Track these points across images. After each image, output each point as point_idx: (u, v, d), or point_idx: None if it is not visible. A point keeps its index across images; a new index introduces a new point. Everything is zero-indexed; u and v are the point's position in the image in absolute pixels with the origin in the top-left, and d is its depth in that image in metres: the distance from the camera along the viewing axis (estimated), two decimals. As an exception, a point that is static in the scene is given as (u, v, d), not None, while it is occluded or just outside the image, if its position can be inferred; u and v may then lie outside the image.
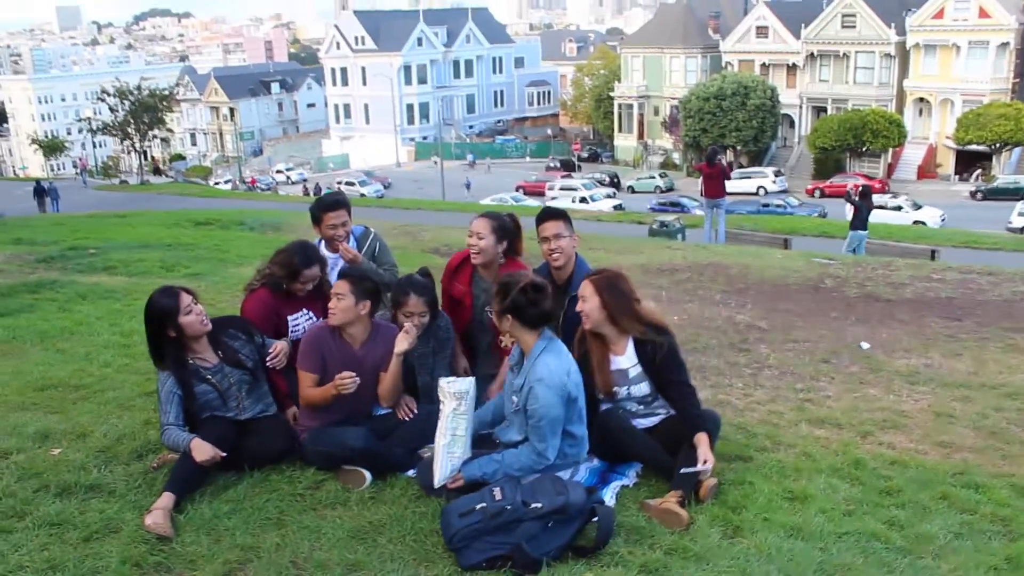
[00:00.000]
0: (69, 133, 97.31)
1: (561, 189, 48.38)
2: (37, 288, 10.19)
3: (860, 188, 19.52)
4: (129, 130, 62.64)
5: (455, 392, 4.21)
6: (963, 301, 10.27)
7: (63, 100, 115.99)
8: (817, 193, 47.60)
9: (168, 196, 43.58)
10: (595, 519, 3.90)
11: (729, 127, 53.51)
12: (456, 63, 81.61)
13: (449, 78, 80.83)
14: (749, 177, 50.50)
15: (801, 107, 58.24)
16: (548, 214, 5.29)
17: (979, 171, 49.01)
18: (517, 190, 51.40)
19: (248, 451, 4.60)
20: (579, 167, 64.53)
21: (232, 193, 53.89)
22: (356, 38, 78.87)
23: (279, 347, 4.95)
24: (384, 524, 4.10)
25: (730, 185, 47.25)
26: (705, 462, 4.28)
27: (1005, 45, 49.67)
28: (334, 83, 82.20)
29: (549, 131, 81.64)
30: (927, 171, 52.19)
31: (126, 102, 61.30)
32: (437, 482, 4.22)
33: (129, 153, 70.76)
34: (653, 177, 54.56)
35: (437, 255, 14.07)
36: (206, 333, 4.68)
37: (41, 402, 5.84)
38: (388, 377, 4.73)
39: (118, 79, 64.28)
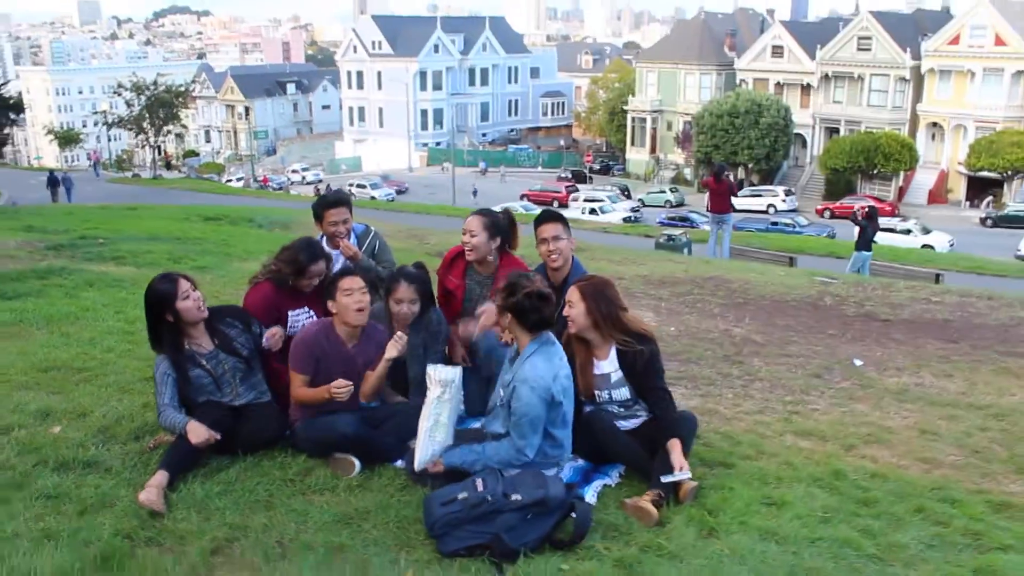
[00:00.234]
0: (84, 125, 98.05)
1: (586, 200, 48.44)
2: (46, 274, 10.34)
3: (866, 209, 19.63)
4: (144, 125, 63.09)
5: (441, 379, 4.37)
6: (960, 324, 10.34)
7: (80, 93, 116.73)
8: (827, 214, 47.69)
9: (180, 191, 43.86)
10: (573, 514, 4.01)
11: (741, 144, 53.64)
12: (472, 71, 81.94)
13: (464, 85, 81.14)
14: (759, 195, 50.66)
15: (814, 127, 58.36)
16: (547, 217, 5.44)
17: (990, 198, 49.00)
18: (522, 198, 51.67)
19: (241, 436, 4.73)
20: (590, 179, 64.70)
21: (243, 191, 54.18)
22: (373, 42, 79.29)
23: (275, 330, 5.08)
24: (369, 511, 4.22)
25: (740, 202, 47.92)
26: (681, 468, 4.40)
27: (1020, 73, 49.67)
28: (349, 86, 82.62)
29: (562, 142, 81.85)
30: (938, 196, 52.21)
31: (142, 97, 61.73)
32: (417, 464, 4.37)
33: (143, 147, 71.19)
34: (663, 191, 54.68)
35: (441, 258, 14.19)
36: (203, 320, 4.82)
37: (44, 382, 5.97)
38: (373, 377, 4.86)
39: (135, 74, 64.65)
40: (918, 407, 6.73)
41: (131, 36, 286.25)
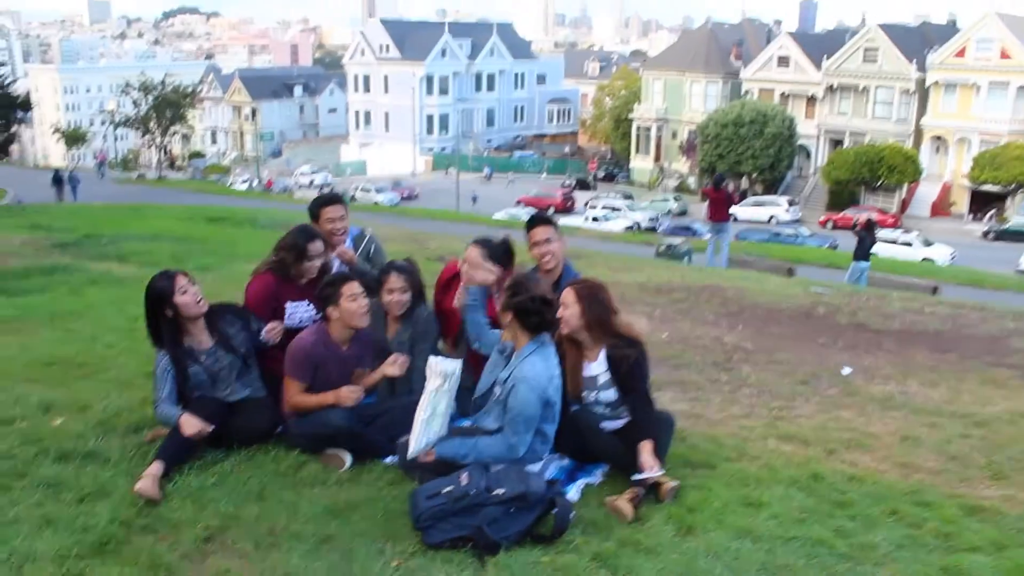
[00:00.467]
0: (92, 124, 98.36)
1: (604, 207, 48.58)
2: (51, 272, 10.54)
3: (865, 221, 19.77)
4: (151, 124, 63.37)
5: (441, 371, 4.53)
6: (950, 334, 10.47)
7: (88, 91, 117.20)
8: (829, 224, 47.77)
9: (184, 192, 44.08)
10: (554, 510, 4.15)
11: (746, 154, 53.76)
12: (479, 76, 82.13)
13: (471, 91, 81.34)
14: (763, 205, 50.73)
15: (818, 138, 58.48)
16: (538, 220, 5.60)
17: (993, 212, 49.08)
18: (517, 204, 51.99)
19: (235, 429, 4.89)
20: (595, 186, 64.83)
21: (248, 193, 54.38)
22: (381, 46, 79.52)
23: (274, 324, 5.26)
24: (358, 503, 4.37)
25: (743, 213, 47.92)
26: (651, 468, 4.54)
27: (1025, 87, 49.85)
28: (356, 89, 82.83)
29: (567, 149, 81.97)
30: (941, 209, 52.28)
31: (150, 97, 62.03)
32: (411, 453, 4.53)
33: (149, 147, 71.49)
34: (667, 200, 54.76)
35: (441, 263, 14.33)
36: (203, 316, 4.98)
37: (46, 377, 6.14)
38: (367, 379, 5.08)
39: (143, 73, 64.95)
40: (902, 414, 6.86)
41: (140, 36, 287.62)
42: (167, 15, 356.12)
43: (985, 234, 45.37)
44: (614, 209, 48.06)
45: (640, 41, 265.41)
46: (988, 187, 48.53)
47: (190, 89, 66.31)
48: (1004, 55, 50.08)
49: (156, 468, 4.41)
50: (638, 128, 67.12)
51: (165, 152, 70.92)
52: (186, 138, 74.71)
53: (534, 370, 4.48)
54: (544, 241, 5.49)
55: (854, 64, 56.28)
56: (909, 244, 37.64)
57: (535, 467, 4.58)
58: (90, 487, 4.34)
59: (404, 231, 21.02)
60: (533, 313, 4.53)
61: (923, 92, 53.63)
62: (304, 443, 4.92)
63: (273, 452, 4.90)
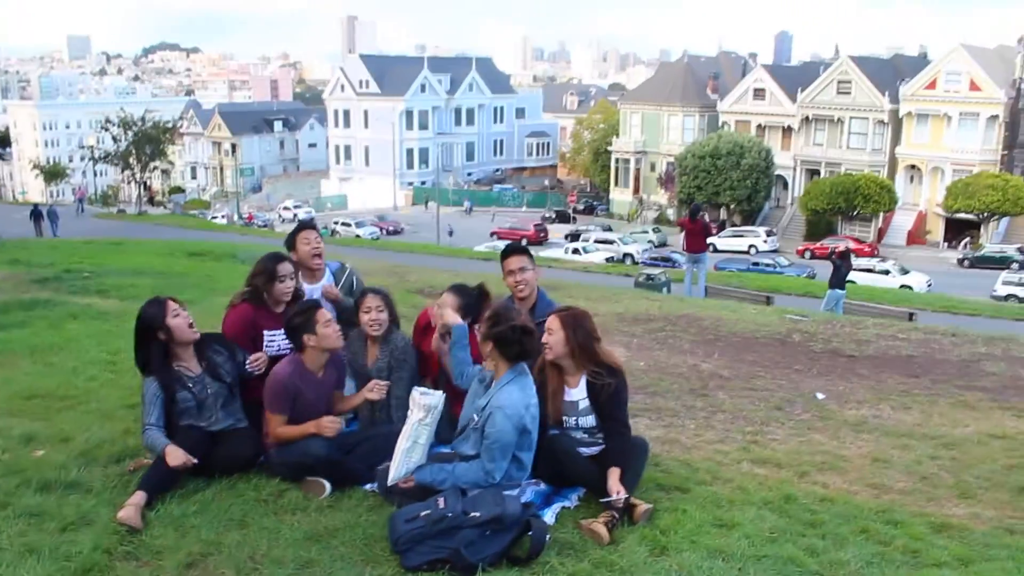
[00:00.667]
0: (71, 160, 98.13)
1: (596, 241, 48.76)
2: (31, 306, 10.55)
3: (840, 249, 20.04)
4: (131, 160, 63.25)
5: (424, 404, 4.66)
6: (923, 359, 10.65)
7: (67, 127, 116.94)
8: (808, 254, 48.23)
9: (165, 227, 43.99)
10: (530, 532, 4.24)
11: (723, 185, 54.32)
12: (458, 110, 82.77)
13: (450, 125, 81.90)
14: (741, 236, 51.26)
15: (795, 169, 59.19)
16: (512, 250, 5.74)
17: (968, 239, 49.73)
18: (492, 236, 52.42)
19: (218, 459, 4.96)
20: (574, 219, 65.21)
21: (228, 227, 54.38)
22: (361, 81, 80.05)
23: (259, 355, 5.37)
24: (338, 529, 4.45)
25: (721, 243, 48.21)
26: (619, 493, 4.65)
27: (995, 118, 50.80)
28: (336, 124, 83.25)
29: (547, 182, 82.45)
30: (917, 237, 52.97)
31: (129, 132, 61.98)
32: (391, 480, 4.63)
33: (129, 183, 71.34)
34: (646, 232, 55.15)
35: (421, 295, 14.44)
36: (193, 342, 5.09)
37: (28, 409, 6.17)
38: (347, 403, 5.29)
39: (123, 109, 64.94)
40: (873, 437, 7.00)
41: (120, 72, 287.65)
42: (147, 51, 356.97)
43: (960, 261, 45.98)
44: (607, 242, 48.26)
45: (618, 75, 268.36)
46: (962, 215, 49.24)
47: (170, 124, 66.26)
48: (973, 87, 51.08)
49: (138, 498, 4.47)
50: (617, 161, 67.68)
51: (145, 187, 70.80)
52: (166, 173, 74.53)
53: (511, 399, 4.59)
54: (519, 270, 5.63)
55: (828, 96, 57.14)
56: (887, 272, 38.09)
57: (512, 493, 4.67)
58: (72, 516, 4.39)
59: (384, 264, 21.10)
60: (513, 342, 4.66)
61: (896, 123, 54.52)
62: (285, 472, 4.99)
63: (254, 480, 4.97)
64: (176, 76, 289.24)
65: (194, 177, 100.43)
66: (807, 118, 58.20)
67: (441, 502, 4.21)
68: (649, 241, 51.43)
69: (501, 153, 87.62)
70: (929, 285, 36.61)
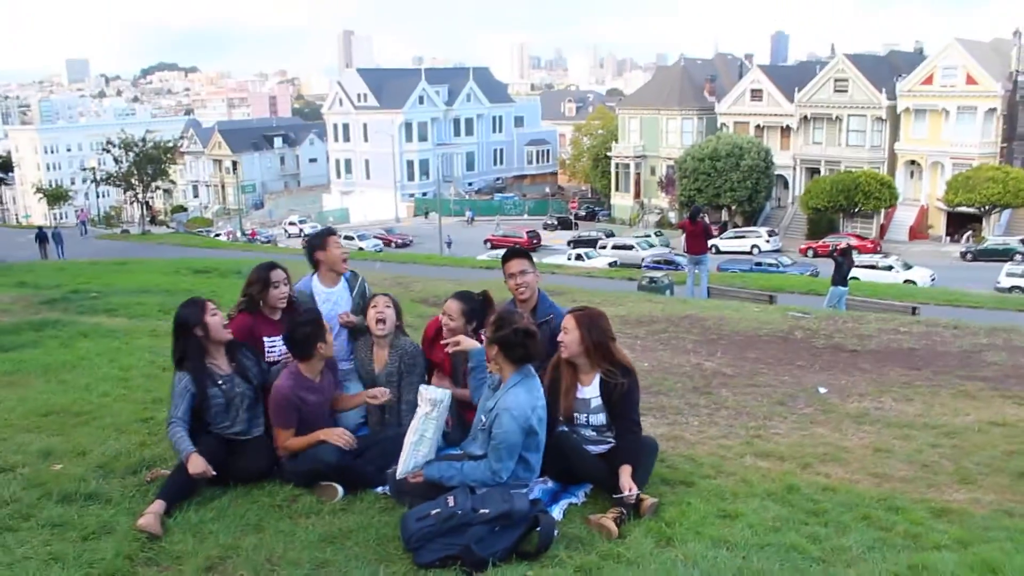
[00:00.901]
0: (73, 183, 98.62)
1: (614, 247, 48.93)
2: (41, 327, 10.67)
3: (842, 246, 20.14)
4: (132, 181, 63.49)
5: (430, 399, 4.82)
6: (924, 352, 10.75)
7: (68, 150, 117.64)
8: (810, 252, 48.31)
9: (169, 246, 44.21)
10: (538, 527, 4.35)
11: (724, 187, 54.43)
12: (456, 121, 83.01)
13: (449, 135, 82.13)
14: (743, 236, 51.38)
15: (795, 168, 59.32)
16: (513, 254, 5.87)
17: (970, 232, 49.77)
18: (486, 243, 52.78)
19: (234, 469, 5.10)
20: (576, 225, 65.35)
21: (231, 244, 54.63)
22: (359, 95, 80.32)
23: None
24: (352, 530, 4.57)
25: (724, 244, 48.22)
26: (631, 490, 4.77)
27: (992, 111, 50.88)
28: (336, 139, 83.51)
29: (547, 189, 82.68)
30: (919, 232, 53.01)
31: (131, 153, 62.24)
32: (399, 473, 4.77)
33: (132, 203, 71.58)
34: (648, 235, 55.24)
35: (425, 304, 14.58)
36: (225, 343, 5.32)
37: (44, 425, 6.29)
38: (348, 402, 5.52)
39: (123, 131, 65.24)
40: (875, 428, 7.10)
41: (119, 94, 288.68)
42: (145, 72, 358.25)
43: (963, 255, 45.99)
44: (626, 247, 48.41)
45: (615, 80, 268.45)
46: (963, 209, 49.25)
47: (171, 144, 66.55)
48: (969, 80, 51.20)
49: (158, 506, 4.61)
50: (617, 166, 67.89)
51: (147, 207, 71.05)
52: (168, 193, 74.77)
53: (517, 400, 4.71)
54: (519, 273, 5.75)
55: (826, 95, 57.30)
56: (890, 268, 38.12)
57: (520, 491, 4.79)
58: (94, 526, 4.51)
59: (388, 275, 21.23)
60: (517, 345, 4.77)
61: (894, 119, 54.64)
62: (298, 479, 5.12)
63: (268, 487, 5.10)
64: (175, 96, 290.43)
65: (196, 196, 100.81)
66: (805, 117, 58.35)
67: (451, 500, 4.33)
68: (665, 245, 51.50)
69: (501, 162, 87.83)
70: (933, 279, 36.64)
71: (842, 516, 5.00)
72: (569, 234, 58.81)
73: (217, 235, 68.31)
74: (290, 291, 5.91)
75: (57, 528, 4.49)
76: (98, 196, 79.40)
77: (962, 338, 11.63)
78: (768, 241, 50.45)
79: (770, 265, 41.52)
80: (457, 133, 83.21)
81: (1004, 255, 42.80)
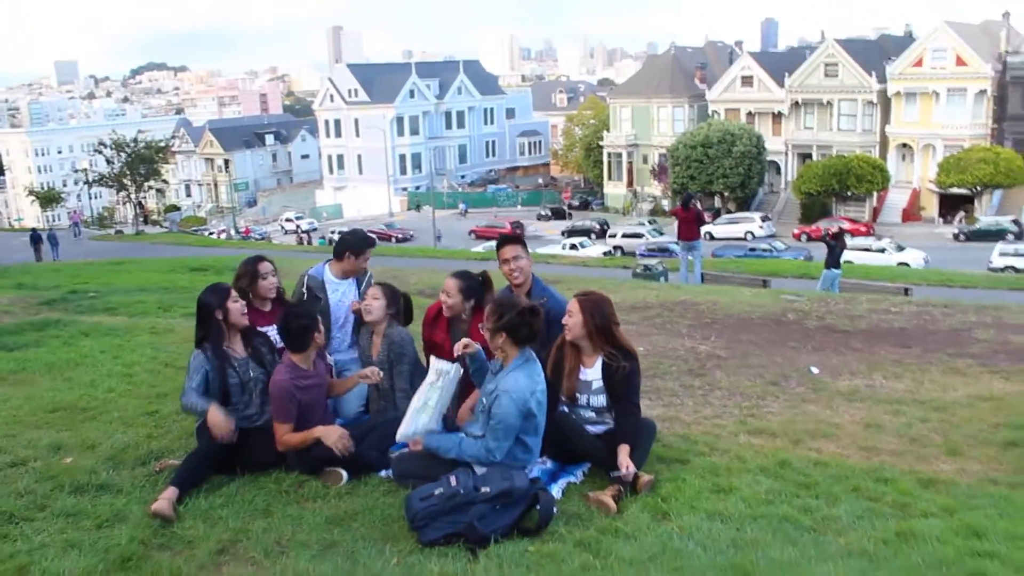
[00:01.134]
0: (65, 185, 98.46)
1: (624, 236, 49.20)
2: (42, 327, 10.80)
3: (834, 230, 20.31)
4: (125, 181, 63.40)
5: (437, 368, 5.07)
6: (915, 331, 10.91)
7: (59, 152, 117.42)
8: (804, 237, 48.49)
9: (163, 245, 44.29)
10: (538, 505, 4.51)
11: (716, 174, 54.61)
12: (448, 114, 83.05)
13: (441, 129, 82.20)
14: (737, 222, 51.51)
15: (787, 154, 59.51)
16: (506, 240, 6.01)
17: (962, 214, 49.99)
18: (470, 234, 53.38)
19: (242, 459, 5.25)
20: (570, 215, 65.48)
21: (226, 242, 54.67)
22: (349, 90, 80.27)
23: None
24: (358, 512, 4.72)
25: (718, 230, 48.34)
26: (628, 468, 4.92)
27: (982, 92, 51.10)
28: (328, 134, 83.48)
29: (540, 180, 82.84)
30: (912, 214, 53.24)
31: (122, 154, 62.15)
32: (399, 436, 5.01)
33: (124, 204, 71.53)
34: (642, 224, 55.37)
35: (422, 296, 14.69)
36: (242, 329, 5.58)
37: (52, 421, 6.44)
38: (342, 386, 5.74)
39: (115, 131, 65.15)
40: (866, 405, 7.26)
41: (109, 94, 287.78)
42: (135, 72, 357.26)
43: (956, 236, 46.23)
44: (636, 236, 48.62)
45: (606, 70, 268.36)
46: (955, 190, 49.53)
47: (162, 144, 66.45)
48: (959, 62, 51.39)
49: (170, 492, 4.77)
50: (609, 155, 68.01)
51: (141, 207, 70.99)
52: (160, 192, 74.68)
53: (517, 383, 4.85)
54: (513, 258, 5.89)
55: (816, 79, 57.46)
56: (883, 250, 38.33)
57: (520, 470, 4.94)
58: (107, 514, 4.66)
59: (384, 268, 21.35)
60: (522, 325, 4.92)
61: (885, 102, 54.82)
62: (302, 466, 5.26)
63: (275, 474, 5.24)
64: (165, 95, 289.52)
65: (189, 195, 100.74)
66: (796, 102, 58.53)
67: (453, 480, 4.48)
68: (659, 232, 51.56)
69: (493, 154, 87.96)
70: (926, 261, 36.83)
71: (832, 488, 5.15)
72: (563, 224, 58.90)
73: (210, 233, 68.34)
74: (279, 283, 6.11)
75: (72, 517, 4.64)
76: (90, 197, 79.45)
77: (952, 316, 11.79)
78: (762, 227, 50.61)
79: (764, 250, 41.72)
80: (449, 126, 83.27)
81: (996, 235, 43.06)
